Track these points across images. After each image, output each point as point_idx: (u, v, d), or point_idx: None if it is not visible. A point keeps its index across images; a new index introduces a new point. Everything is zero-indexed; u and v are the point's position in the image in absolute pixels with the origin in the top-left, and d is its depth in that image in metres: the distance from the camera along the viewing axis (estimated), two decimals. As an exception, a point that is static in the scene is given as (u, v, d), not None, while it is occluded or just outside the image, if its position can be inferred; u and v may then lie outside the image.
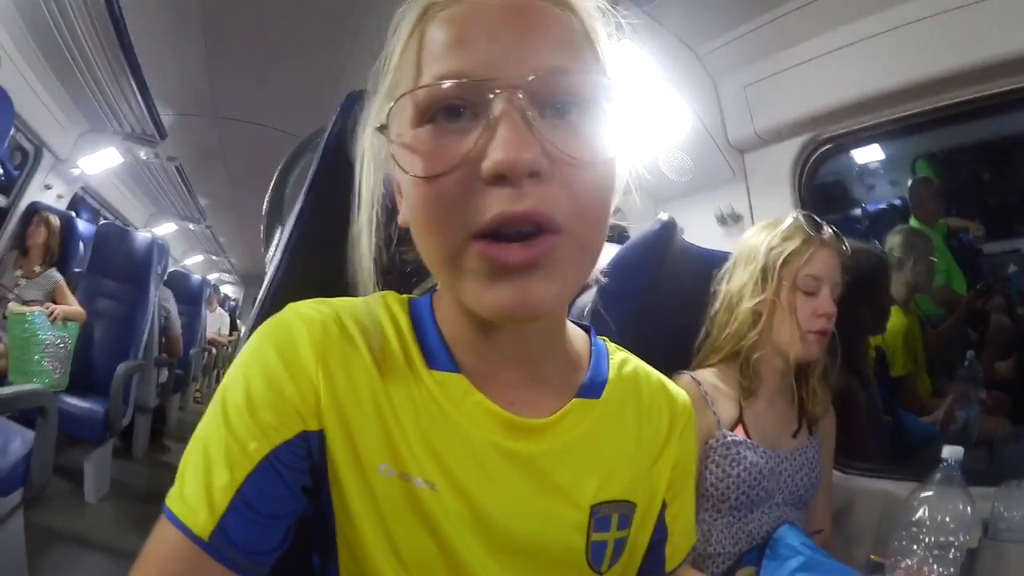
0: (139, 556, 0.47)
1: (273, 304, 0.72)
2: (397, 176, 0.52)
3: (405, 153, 0.46)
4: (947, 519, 0.84)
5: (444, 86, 0.44)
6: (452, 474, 0.52)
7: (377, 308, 0.57)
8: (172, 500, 0.48)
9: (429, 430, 0.52)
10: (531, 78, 0.43)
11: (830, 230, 1.16)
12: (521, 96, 0.43)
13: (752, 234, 1.21)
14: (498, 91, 0.43)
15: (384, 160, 0.52)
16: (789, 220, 1.17)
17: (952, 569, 0.83)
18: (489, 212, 0.43)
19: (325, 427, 0.51)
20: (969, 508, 0.84)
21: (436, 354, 0.55)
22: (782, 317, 1.13)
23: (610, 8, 0.51)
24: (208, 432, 0.49)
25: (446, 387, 0.54)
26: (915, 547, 0.85)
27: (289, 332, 0.52)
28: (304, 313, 0.53)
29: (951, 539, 0.83)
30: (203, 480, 0.47)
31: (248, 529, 0.47)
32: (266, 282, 0.75)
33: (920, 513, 0.86)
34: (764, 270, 1.15)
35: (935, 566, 0.83)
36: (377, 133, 0.49)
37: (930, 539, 0.84)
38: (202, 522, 0.46)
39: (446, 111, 0.45)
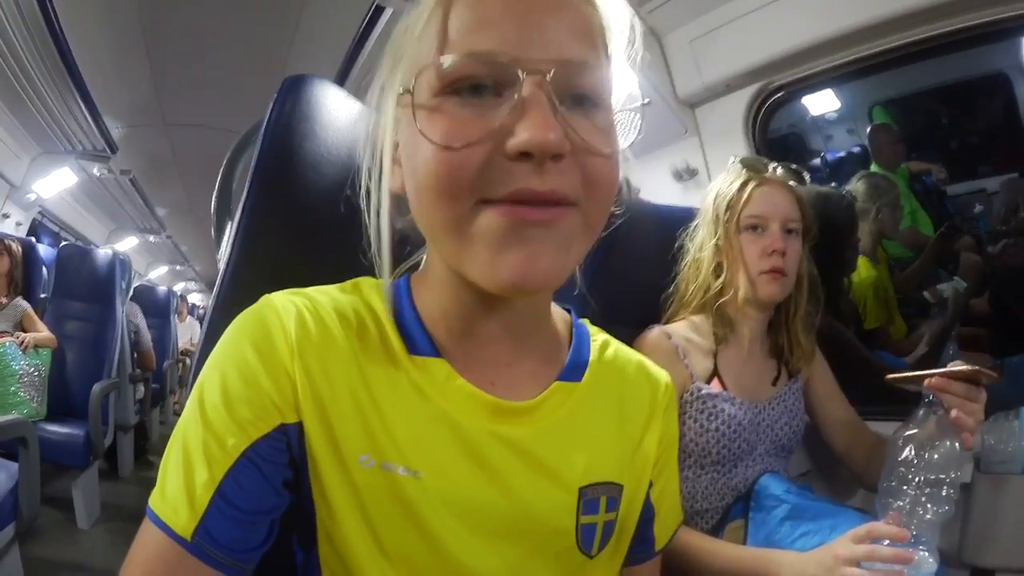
0: (126, 559, 0.47)
1: (229, 298, 0.71)
2: (402, 142, 0.51)
3: (426, 121, 0.46)
4: (935, 456, 0.82)
5: (474, 61, 0.45)
6: (436, 460, 0.52)
7: (353, 295, 0.56)
8: (154, 500, 0.48)
9: (412, 417, 0.52)
10: (558, 66, 0.44)
11: (774, 167, 1.15)
12: (548, 80, 0.44)
13: (710, 187, 1.21)
14: (527, 73, 0.44)
15: (382, 128, 0.54)
16: (730, 164, 1.18)
17: (947, 506, 0.81)
18: (512, 185, 0.44)
19: (303, 419, 0.50)
20: (957, 443, 0.83)
21: (416, 339, 0.54)
22: (735, 261, 1.12)
23: (629, 9, 0.53)
24: (187, 430, 0.49)
25: (427, 372, 0.53)
26: (905, 487, 0.83)
27: (264, 324, 0.51)
28: (278, 304, 0.52)
29: (942, 476, 0.81)
30: (183, 478, 0.47)
31: (230, 527, 0.47)
32: (219, 276, 0.74)
33: (906, 453, 0.84)
34: (715, 218, 1.15)
35: (928, 505, 0.81)
36: (397, 102, 0.51)
37: (920, 478, 0.82)
38: (183, 522, 0.46)
39: (470, 86, 0.46)
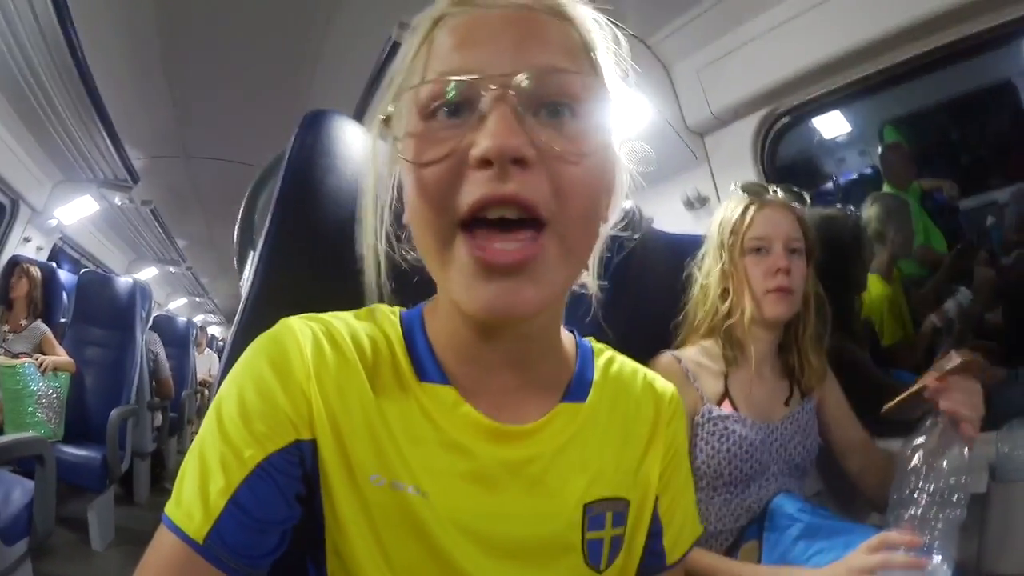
0: (139, 564, 0.48)
1: (249, 321, 0.73)
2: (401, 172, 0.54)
3: (405, 143, 0.50)
4: (944, 463, 0.83)
5: (442, 82, 0.47)
6: (443, 483, 0.53)
7: (368, 322, 0.58)
8: (169, 508, 0.49)
9: (421, 440, 0.54)
10: (524, 77, 0.46)
11: (773, 189, 1.18)
12: (513, 93, 0.46)
13: (715, 215, 1.23)
14: (491, 87, 0.46)
15: (391, 160, 0.56)
16: (731, 191, 1.21)
17: (958, 512, 0.81)
18: (475, 194, 0.45)
19: (317, 437, 0.52)
20: (966, 450, 0.83)
21: (426, 366, 0.56)
22: (740, 283, 1.14)
23: (610, 21, 0.54)
24: (204, 442, 0.50)
25: (435, 399, 0.55)
26: (916, 496, 0.83)
27: (281, 345, 0.53)
28: (296, 327, 0.55)
29: (952, 483, 0.82)
30: (199, 486, 0.48)
31: (242, 533, 0.48)
32: (241, 305, 0.77)
33: (915, 462, 0.85)
34: (720, 244, 1.18)
35: (940, 512, 0.81)
36: (384, 129, 0.54)
37: (931, 486, 0.82)
38: (197, 525, 0.47)
39: (447, 108, 0.48)
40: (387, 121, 0.52)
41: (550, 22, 0.50)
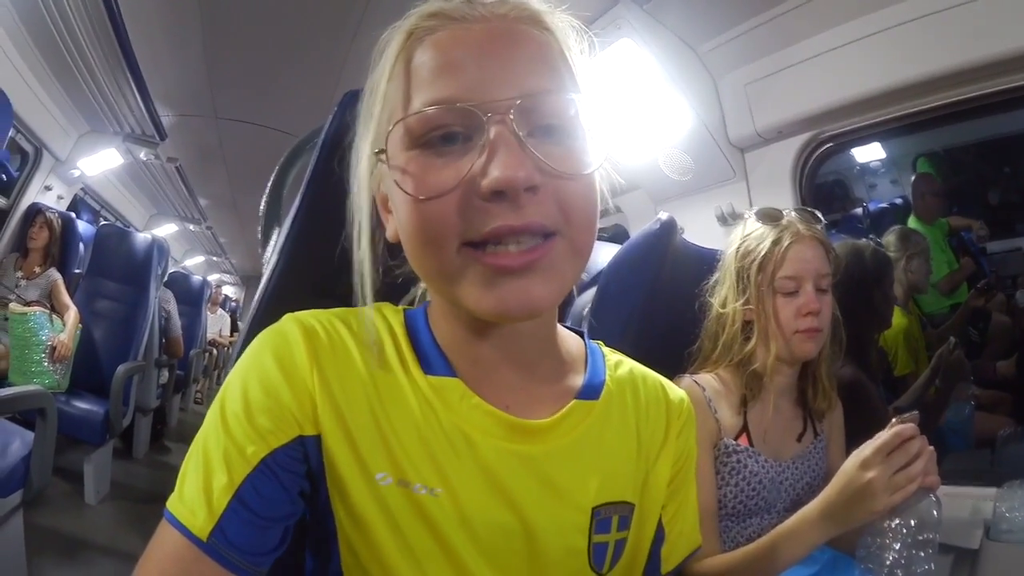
0: (140, 558, 0.48)
1: (270, 305, 0.72)
2: (389, 194, 0.54)
3: (401, 175, 0.49)
4: (911, 521, 0.80)
5: (439, 112, 0.47)
6: (451, 479, 0.52)
7: (373, 317, 0.58)
8: (172, 503, 0.49)
9: (427, 435, 0.53)
10: (519, 101, 0.46)
11: (799, 221, 1.10)
12: (512, 118, 0.46)
13: (730, 242, 1.16)
14: (491, 115, 0.46)
15: (371, 179, 0.56)
16: (750, 220, 1.12)
17: (927, 566, 0.79)
18: (490, 224, 0.46)
19: (323, 432, 0.52)
20: (934, 511, 0.81)
21: (431, 359, 0.56)
22: (768, 322, 1.08)
23: (582, 27, 0.54)
24: (208, 437, 0.51)
25: (442, 391, 0.54)
26: (884, 553, 0.81)
27: (286, 339, 0.54)
28: (301, 321, 0.55)
29: (919, 538, 0.80)
30: (202, 482, 0.49)
31: (246, 530, 0.48)
32: (263, 283, 0.75)
33: (884, 520, 0.82)
34: (744, 277, 1.10)
35: (908, 567, 0.79)
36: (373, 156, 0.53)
37: (898, 544, 0.80)
38: (200, 523, 0.47)
39: (441, 136, 0.48)
40: (381, 153, 0.51)
41: (531, 35, 0.50)
